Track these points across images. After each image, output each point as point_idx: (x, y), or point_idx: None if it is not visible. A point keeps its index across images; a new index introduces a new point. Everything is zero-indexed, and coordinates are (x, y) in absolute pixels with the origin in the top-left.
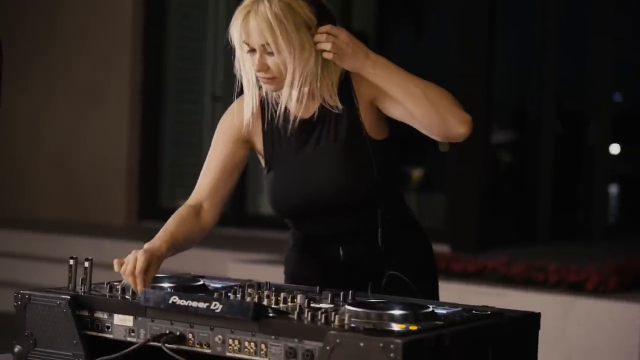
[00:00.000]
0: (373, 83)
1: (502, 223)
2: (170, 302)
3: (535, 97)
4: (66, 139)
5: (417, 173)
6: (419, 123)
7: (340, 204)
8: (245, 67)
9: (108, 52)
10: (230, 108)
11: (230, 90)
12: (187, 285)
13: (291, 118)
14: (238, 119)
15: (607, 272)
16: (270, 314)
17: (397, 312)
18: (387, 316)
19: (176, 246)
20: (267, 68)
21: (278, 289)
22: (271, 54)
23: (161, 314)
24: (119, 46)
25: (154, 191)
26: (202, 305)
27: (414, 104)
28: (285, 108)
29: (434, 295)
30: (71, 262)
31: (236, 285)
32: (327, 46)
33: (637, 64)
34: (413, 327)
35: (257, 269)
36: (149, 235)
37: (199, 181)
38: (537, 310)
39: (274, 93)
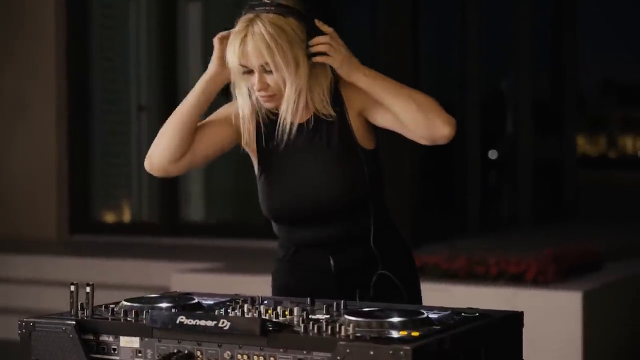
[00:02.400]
0: (362, 94)
1: (434, 217)
2: (177, 322)
3: (459, 91)
4: None
5: None
6: (406, 127)
7: (332, 210)
8: (241, 87)
9: (32, 63)
10: (231, 104)
11: (155, 99)
12: (184, 305)
13: (286, 124)
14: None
15: (545, 261)
16: (277, 328)
17: (396, 319)
18: (387, 324)
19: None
20: (267, 86)
21: (272, 303)
22: (270, 72)
23: (168, 333)
24: (43, 57)
25: (85, 204)
26: (209, 323)
27: (401, 107)
28: (274, 115)
29: (419, 297)
30: (72, 287)
31: (228, 301)
32: (323, 47)
33: (554, 56)
34: (415, 333)
35: (202, 278)
36: (81, 249)
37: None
38: (480, 304)
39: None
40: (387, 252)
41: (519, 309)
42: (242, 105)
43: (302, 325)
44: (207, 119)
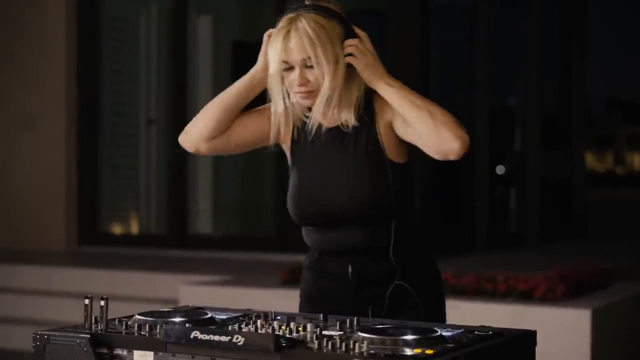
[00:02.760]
0: (391, 106)
1: (441, 233)
2: (192, 336)
3: (467, 106)
4: (2, 166)
5: None
6: (420, 140)
7: (353, 217)
8: (278, 86)
9: (42, 78)
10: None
11: (164, 112)
12: (198, 319)
13: (316, 120)
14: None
15: (553, 279)
16: (291, 344)
17: (410, 337)
18: (401, 341)
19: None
20: (307, 82)
21: (285, 319)
22: (310, 67)
23: (182, 348)
24: (52, 70)
25: (93, 216)
26: (224, 338)
27: (416, 118)
28: (307, 121)
29: (442, 318)
30: (87, 301)
31: (241, 316)
32: (351, 49)
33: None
34: (429, 351)
35: (210, 291)
36: (89, 261)
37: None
38: (488, 321)
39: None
40: (408, 266)
41: (527, 326)
42: (276, 104)
43: (315, 342)
44: (249, 110)
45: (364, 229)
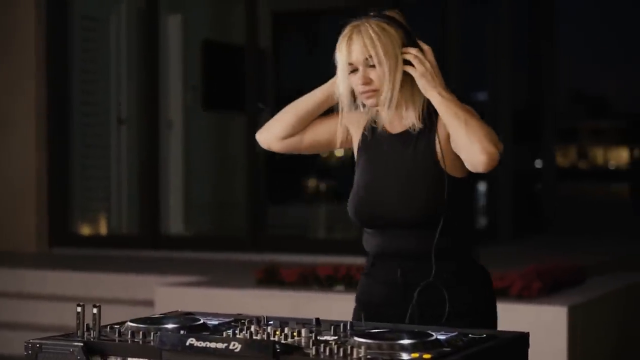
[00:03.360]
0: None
1: None
2: (187, 344)
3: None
4: None
5: (311, 183)
6: (457, 150)
7: (401, 221)
8: (346, 89)
9: (12, 78)
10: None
11: (134, 112)
12: (190, 326)
13: (384, 131)
14: (356, 119)
15: (529, 276)
16: (288, 350)
17: (406, 341)
18: (398, 346)
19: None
20: (370, 81)
21: (278, 324)
22: (373, 66)
23: (177, 355)
24: (22, 71)
25: (64, 217)
26: (220, 345)
27: (455, 127)
28: (376, 124)
29: (492, 326)
30: (79, 309)
31: (233, 322)
32: (410, 56)
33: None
34: (427, 356)
35: (186, 292)
36: (62, 262)
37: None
38: None
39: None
40: (451, 274)
41: (503, 324)
42: (347, 108)
43: (313, 348)
44: (328, 115)
45: (412, 235)
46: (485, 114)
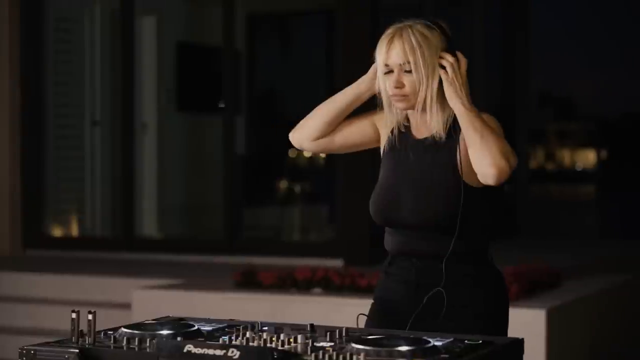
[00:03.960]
0: None
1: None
2: (185, 350)
3: None
4: None
5: (282, 185)
6: (471, 160)
7: (416, 225)
8: (383, 88)
9: None
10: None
11: (108, 114)
12: (185, 332)
13: (410, 135)
14: (383, 123)
15: (507, 279)
16: (287, 358)
17: (404, 348)
18: (396, 353)
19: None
20: (403, 85)
21: (272, 330)
22: (408, 72)
23: None
24: None
25: (38, 219)
26: (218, 352)
27: (470, 137)
28: (404, 127)
29: (503, 329)
30: (73, 315)
31: (227, 327)
32: (446, 64)
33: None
34: None
35: (163, 294)
36: (37, 265)
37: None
38: None
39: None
40: (465, 284)
41: None
42: (385, 111)
43: (312, 355)
44: (357, 115)
45: (428, 238)
46: None
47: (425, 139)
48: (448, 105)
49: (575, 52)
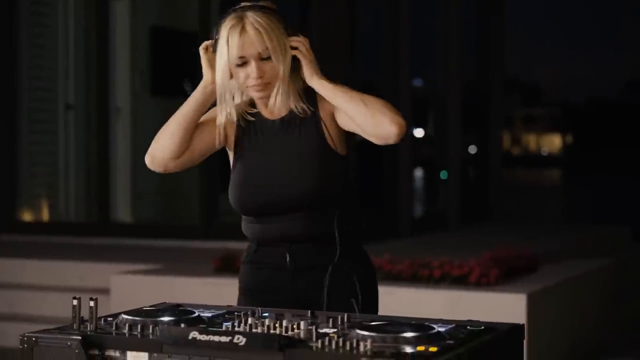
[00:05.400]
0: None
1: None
2: (190, 337)
3: (392, 88)
4: None
5: None
6: (359, 127)
7: (297, 205)
8: (229, 82)
9: None
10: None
11: (82, 98)
12: (186, 318)
13: (263, 118)
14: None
15: (486, 264)
16: (292, 344)
17: (410, 334)
18: (402, 339)
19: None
20: (264, 74)
21: (274, 316)
22: (266, 59)
23: (179, 349)
24: None
25: (11, 204)
26: (224, 339)
27: (353, 108)
28: (258, 111)
29: (375, 309)
30: (75, 302)
31: (227, 314)
32: (299, 45)
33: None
34: (433, 349)
35: (142, 280)
36: (12, 250)
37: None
38: (424, 307)
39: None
40: (347, 256)
41: (463, 312)
42: (221, 107)
43: (318, 341)
44: (202, 118)
45: (306, 217)
46: (437, 102)
47: (282, 118)
48: (299, 77)
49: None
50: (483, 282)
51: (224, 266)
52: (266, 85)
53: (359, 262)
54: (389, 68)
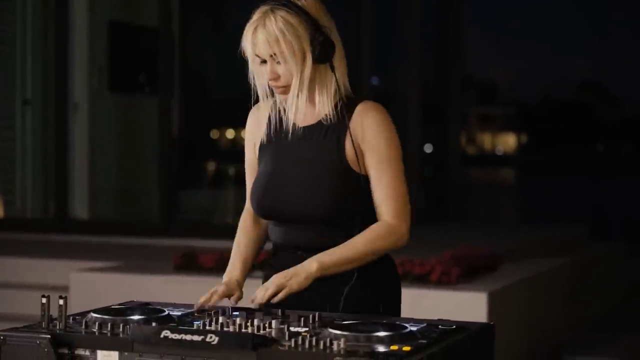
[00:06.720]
0: (365, 135)
1: None
2: (162, 336)
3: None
4: None
5: (210, 166)
6: None
7: (307, 217)
8: (260, 78)
9: None
10: (251, 112)
11: (40, 93)
12: (156, 317)
13: (290, 125)
14: (256, 125)
15: (447, 263)
16: (265, 343)
17: (382, 333)
18: (375, 338)
19: (248, 266)
20: (278, 77)
21: (244, 315)
22: (280, 63)
23: (150, 348)
24: None
25: None
26: (196, 338)
27: (366, 261)
28: (284, 117)
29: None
30: (44, 300)
31: (197, 312)
32: (281, 289)
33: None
34: (406, 348)
35: (101, 277)
36: None
37: (247, 184)
38: None
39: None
40: (365, 268)
41: (425, 310)
42: (265, 107)
43: (292, 340)
44: (247, 163)
45: (319, 229)
46: (396, 99)
47: (310, 126)
48: (330, 82)
49: (497, 38)
50: (444, 281)
51: (185, 264)
52: (285, 88)
53: (377, 277)
54: (349, 66)
